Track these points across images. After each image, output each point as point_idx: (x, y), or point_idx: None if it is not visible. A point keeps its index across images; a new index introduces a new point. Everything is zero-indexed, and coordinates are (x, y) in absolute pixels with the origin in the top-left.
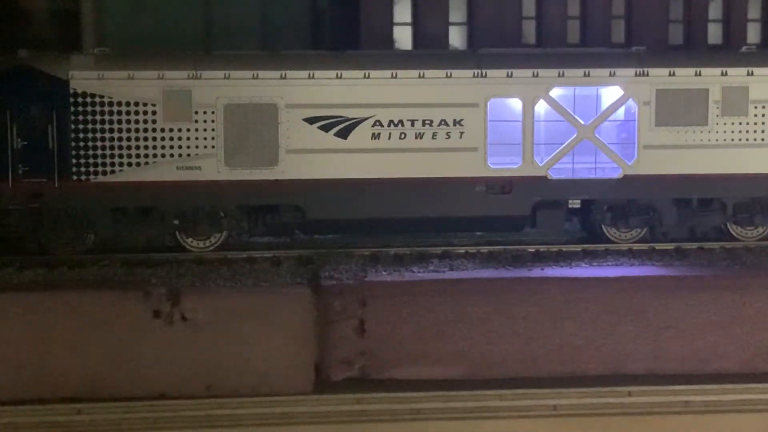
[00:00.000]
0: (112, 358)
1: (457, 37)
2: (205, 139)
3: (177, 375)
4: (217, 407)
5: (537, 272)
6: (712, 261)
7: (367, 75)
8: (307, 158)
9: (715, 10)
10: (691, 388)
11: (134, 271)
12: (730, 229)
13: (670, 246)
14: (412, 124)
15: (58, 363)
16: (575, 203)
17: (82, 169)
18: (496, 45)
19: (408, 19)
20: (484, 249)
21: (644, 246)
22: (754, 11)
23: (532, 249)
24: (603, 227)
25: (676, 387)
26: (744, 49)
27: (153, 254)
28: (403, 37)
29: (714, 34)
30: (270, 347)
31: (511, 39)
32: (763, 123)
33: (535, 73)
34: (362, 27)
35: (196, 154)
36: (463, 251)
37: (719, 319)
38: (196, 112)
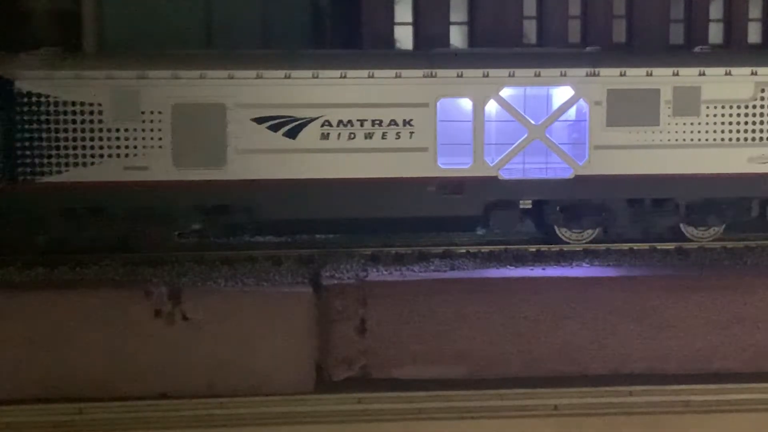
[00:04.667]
0: (113, 358)
1: (458, 37)
2: (152, 139)
3: (178, 374)
4: (218, 407)
5: (538, 272)
6: (713, 260)
7: (315, 75)
8: (256, 158)
9: (716, 10)
10: (692, 388)
11: (135, 270)
12: (684, 230)
13: (671, 246)
14: (362, 125)
15: (59, 363)
16: (526, 204)
17: (29, 169)
18: (497, 44)
19: (409, 18)
20: (485, 249)
21: (645, 246)
22: (755, 11)
23: (533, 249)
24: (556, 228)
25: (677, 386)
26: (698, 49)
27: (154, 254)
28: (404, 37)
29: (715, 33)
30: (271, 347)
31: (512, 38)
32: (715, 123)
33: (486, 73)
34: (363, 27)
35: (144, 155)
36: (464, 251)
37: (720, 318)
38: (144, 112)
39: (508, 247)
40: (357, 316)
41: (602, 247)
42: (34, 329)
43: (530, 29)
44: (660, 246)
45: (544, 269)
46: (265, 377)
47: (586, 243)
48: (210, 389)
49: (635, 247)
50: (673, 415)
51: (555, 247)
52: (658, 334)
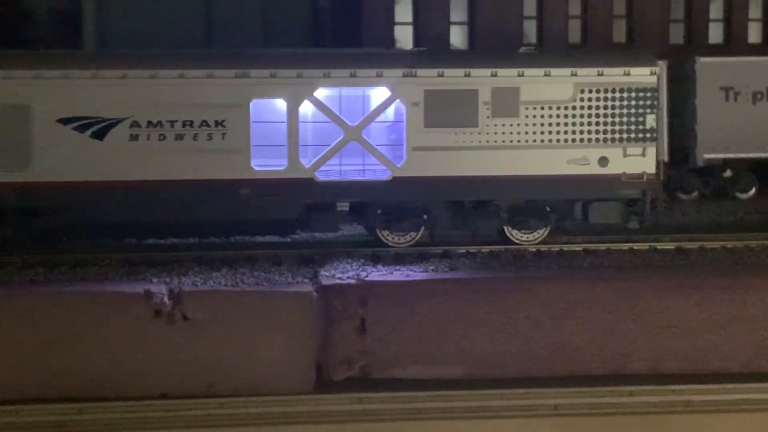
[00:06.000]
0: (113, 358)
1: (458, 37)
2: None
3: (178, 374)
4: (217, 407)
5: (538, 272)
6: (713, 260)
7: (124, 75)
8: (63, 160)
9: (716, 10)
10: (692, 388)
11: (135, 270)
12: (507, 233)
13: (671, 245)
14: (172, 125)
15: (59, 362)
16: (344, 206)
17: None
18: (497, 44)
19: (409, 18)
20: (485, 249)
21: (645, 246)
22: (755, 11)
23: (533, 249)
24: (378, 231)
25: (677, 387)
26: (523, 49)
27: (154, 254)
28: (405, 37)
29: (715, 33)
30: (271, 347)
31: (512, 38)
32: (534, 125)
33: (300, 74)
34: (363, 26)
35: None
36: (464, 251)
37: (720, 318)
38: None
39: (508, 247)
40: (357, 316)
41: (602, 247)
42: (33, 329)
43: (530, 29)
44: (660, 246)
45: (543, 269)
46: (265, 377)
47: (409, 246)
48: (210, 389)
49: (635, 247)
50: (673, 415)
51: (555, 247)
52: (658, 333)
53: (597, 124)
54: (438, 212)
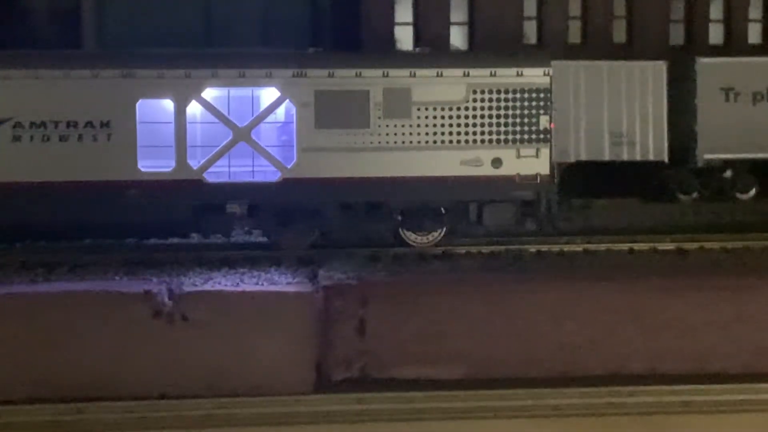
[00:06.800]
0: (112, 358)
1: (458, 37)
2: None
3: (177, 375)
4: (217, 407)
5: (538, 272)
6: (713, 260)
7: (6, 75)
8: None
9: (716, 10)
10: (692, 388)
11: (135, 270)
12: (403, 235)
13: (671, 246)
14: (56, 126)
15: (59, 362)
16: (233, 208)
17: None
18: (497, 45)
19: (409, 18)
20: (485, 249)
21: (645, 246)
22: (755, 11)
23: (533, 249)
24: (270, 233)
25: (677, 387)
26: (417, 50)
27: (154, 254)
28: (405, 37)
29: (715, 34)
30: (270, 347)
31: (513, 39)
32: (426, 126)
33: (187, 74)
34: (363, 27)
35: None
36: (463, 251)
37: (720, 318)
38: None
39: (509, 247)
40: (357, 317)
41: (602, 247)
42: (33, 329)
43: (530, 29)
44: (660, 246)
45: (543, 269)
46: (265, 377)
47: (304, 249)
48: (209, 390)
49: (635, 248)
50: (674, 415)
51: (555, 248)
52: (658, 334)
53: (490, 125)
54: (330, 214)
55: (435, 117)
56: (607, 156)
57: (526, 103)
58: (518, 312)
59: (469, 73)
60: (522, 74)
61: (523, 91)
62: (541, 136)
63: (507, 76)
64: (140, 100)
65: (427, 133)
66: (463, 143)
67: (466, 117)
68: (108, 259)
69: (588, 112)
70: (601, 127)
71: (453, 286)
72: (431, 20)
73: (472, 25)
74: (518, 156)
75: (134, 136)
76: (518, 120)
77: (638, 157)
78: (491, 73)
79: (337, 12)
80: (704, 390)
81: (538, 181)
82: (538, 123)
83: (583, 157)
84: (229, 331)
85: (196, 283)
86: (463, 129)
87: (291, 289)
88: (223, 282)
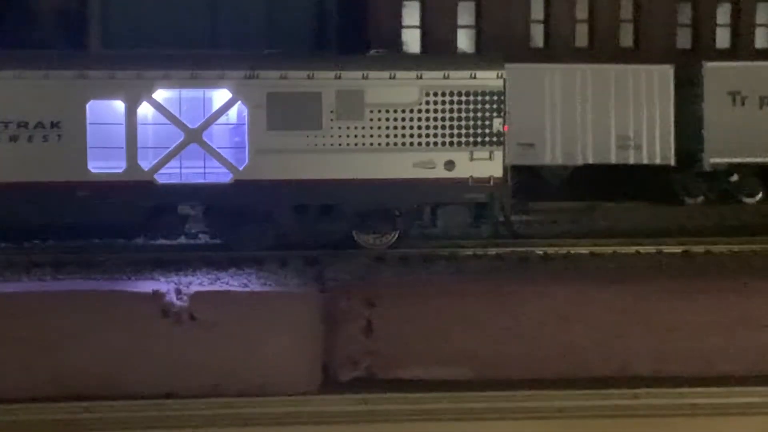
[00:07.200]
0: (120, 357)
1: (465, 40)
2: None
3: (185, 374)
4: (223, 406)
5: (544, 274)
6: (720, 263)
7: None
8: None
9: (723, 15)
10: (698, 391)
11: (143, 270)
12: (356, 238)
13: (678, 249)
14: (6, 127)
15: (67, 361)
16: (185, 210)
17: None
18: (504, 48)
19: (416, 22)
20: (492, 250)
21: (652, 249)
22: (762, 16)
23: (540, 251)
24: (220, 235)
25: (683, 389)
26: (373, 52)
27: (161, 254)
28: (412, 40)
29: (722, 38)
30: (277, 347)
31: (520, 42)
32: (379, 128)
33: (138, 75)
34: (370, 30)
35: None
36: (470, 252)
37: (727, 321)
38: None
39: (515, 249)
40: (363, 317)
41: (609, 249)
42: (41, 328)
43: (537, 33)
44: (667, 249)
45: (550, 271)
46: (271, 377)
47: (257, 250)
48: (216, 389)
49: (642, 250)
50: (680, 417)
51: (562, 250)
52: (664, 336)
53: (443, 127)
54: (283, 216)
55: (388, 119)
56: (614, 159)
57: (479, 106)
58: (524, 313)
59: (422, 75)
60: (475, 77)
61: (476, 93)
62: (495, 138)
63: (460, 78)
64: (91, 101)
65: (380, 135)
66: (416, 145)
67: (419, 119)
68: (116, 258)
69: (595, 115)
70: (608, 130)
71: (459, 287)
72: (438, 24)
73: (479, 28)
74: (471, 158)
75: (84, 137)
76: (471, 122)
77: (645, 161)
78: (444, 75)
79: (344, 15)
80: (711, 392)
81: (491, 183)
82: (491, 126)
83: (591, 160)
84: (237, 330)
85: (203, 283)
86: (416, 131)
87: (298, 289)
88: (230, 282)
